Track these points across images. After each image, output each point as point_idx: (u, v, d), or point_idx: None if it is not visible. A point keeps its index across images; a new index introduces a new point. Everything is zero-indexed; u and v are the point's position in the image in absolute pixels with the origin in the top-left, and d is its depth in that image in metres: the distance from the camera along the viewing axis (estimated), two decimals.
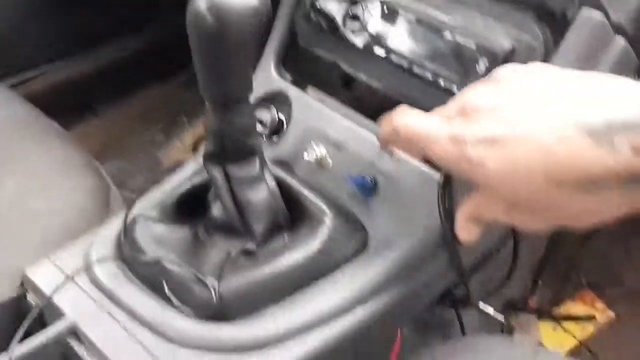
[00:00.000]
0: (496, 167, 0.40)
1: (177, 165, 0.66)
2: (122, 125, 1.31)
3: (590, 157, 0.37)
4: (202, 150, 0.56)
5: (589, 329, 1.03)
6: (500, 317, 0.79)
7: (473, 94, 0.43)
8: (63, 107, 1.08)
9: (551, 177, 0.38)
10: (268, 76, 0.66)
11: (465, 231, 0.48)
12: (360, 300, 0.52)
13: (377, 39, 0.60)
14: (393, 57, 0.59)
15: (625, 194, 0.37)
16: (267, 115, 0.64)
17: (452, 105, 0.44)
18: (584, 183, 0.37)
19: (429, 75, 0.56)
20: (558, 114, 0.38)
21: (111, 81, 1.23)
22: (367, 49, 0.60)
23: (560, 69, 0.42)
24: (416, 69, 0.57)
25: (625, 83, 0.39)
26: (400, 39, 0.59)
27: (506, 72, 0.43)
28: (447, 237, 0.52)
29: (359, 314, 0.52)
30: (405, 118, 0.45)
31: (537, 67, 0.43)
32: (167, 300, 0.52)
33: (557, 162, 0.38)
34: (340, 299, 0.52)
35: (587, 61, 0.51)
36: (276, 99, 0.65)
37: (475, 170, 0.41)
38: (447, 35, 0.56)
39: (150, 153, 1.31)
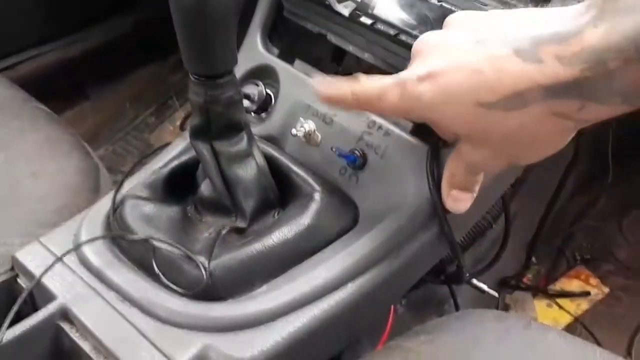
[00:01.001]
0: (432, 100, 0.42)
1: (163, 146, 0.65)
2: (113, 108, 1.30)
3: (516, 71, 0.38)
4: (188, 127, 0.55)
5: (583, 305, 1.03)
6: (494, 294, 0.79)
7: (422, 39, 0.45)
8: (54, 90, 1.07)
9: (480, 99, 0.40)
10: (255, 50, 0.65)
11: (452, 199, 0.49)
12: (351, 276, 0.52)
13: (363, 7, 0.59)
14: (380, 25, 0.58)
15: (550, 104, 0.38)
16: (254, 90, 0.63)
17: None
18: (511, 99, 0.39)
19: None
20: (490, 40, 0.40)
21: (101, 64, 1.22)
22: (353, 18, 0.59)
23: (504, 10, 0.44)
24: (403, 37, 0.56)
25: (553, 8, 0.40)
26: (386, 6, 0.58)
27: (456, 16, 0.45)
28: (437, 209, 0.52)
29: (351, 290, 0.52)
30: (360, 85, 0.47)
31: (487, 12, 0.45)
32: (158, 279, 0.51)
33: (484, 82, 0.39)
34: (331, 275, 0.51)
35: None
36: (263, 74, 0.64)
37: (417, 107, 0.43)
38: (434, 1, 0.55)
39: (141, 136, 1.30)
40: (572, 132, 0.42)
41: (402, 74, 0.44)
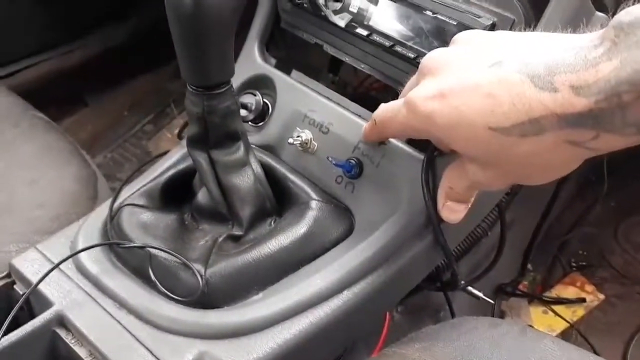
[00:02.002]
0: (443, 120, 0.42)
1: (161, 154, 0.66)
2: (111, 115, 1.31)
3: (531, 98, 0.38)
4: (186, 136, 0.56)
5: (579, 311, 1.04)
6: (490, 301, 0.80)
7: (432, 55, 0.45)
8: (52, 98, 1.08)
9: (493, 123, 0.40)
10: (252, 61, 0.66)
11: (447, 210, 0.50)
12: (347, 283, 0.52)
13: (358, 19, 0.60)
14: (375, 36, 0.58)
15: (565, 133, 0.38)
16: (252, 100, 0.63)
17: (416, 73, 0.46)
18: (525, 126, 0.39)
19: (411, 54, 0.56)
20: (502, 63, 0.40)
21: (100, 72, 1.23)
22: (349, 29, 0.60)
23: (514, 32, 0.44)
24: (398, 48, 0.57)
25: (566, 35, 0.40)
26: (382, 18, 0.58)
27: (465, 35, 0.45)
28: (432, 218, 0.52)
29: (346, 297, 0.52)
30: (378, 110, 0.49)
31: (495, 32, 0.45)
32: (154, 287, 0.52)
33: (499, 107, 0.39)
34: (327, 283, 0.52)
35: None
36: (261, 84, 0.65)
37: (428, 127, 0.43)
38: (429, 13, 0.56)
39: (139, 143, 1.30)
40: (583, 159, 0.42)
41: (413, 93, 0.44)
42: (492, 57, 0.41)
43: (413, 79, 0.48)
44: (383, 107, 0.49)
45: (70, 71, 1.19)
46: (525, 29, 0.49)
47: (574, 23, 0.44)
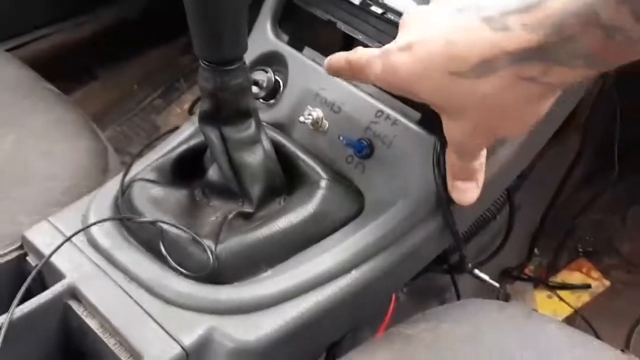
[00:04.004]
0: (410, 71, 0.44)
1: (172, 130, 0.66)
2: (121, 89, 1.30)
3: (485, 40, 0.40)
4: (198, 112, 0.55)
5: (584, 297, 1.04)
6: (496, 284, 0.80)
7: (408, 12, 0.47)
8: (62, 70, 1.08)
9: (452, 68, 0.42)
10: (264, 37, 0.65)
11: (456, 190, 0.50)
12: (355, 263, 0.53)
13: None
14: (390, 14, 0.58)
15: (516, 69, 0.40)
16: (263, 77, 0.63)
17: None
18: (480, 66, 0.41)
19: None
20: (462, 10, 0.42)
21: (110, 45, 1.22)
22: (364, 7, 0.59)
23: None
24: None
25: None
26: None
27: None
28: (442, 200, 0.52)
29: (355, 277, 0.52)
30: (355, 53, 0.50)
31: None
32: (165, 261, 0.52)
33: (455, 51, 0.41)
34: (336, 262, 0.52)
35: None
36: (272, 61, 0.64)
37: (396, 78, 0.45)
38: None
39: (148, 117, 1.30)
40: (542, 100, 0.43)
41: (387, 46, 0.46)
42: (454, 7, 0.43)
43: None
44: (360, 51, 0.50)
45: (80, 44, 1.19)
46: None
47: None
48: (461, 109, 0.44)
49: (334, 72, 0.54)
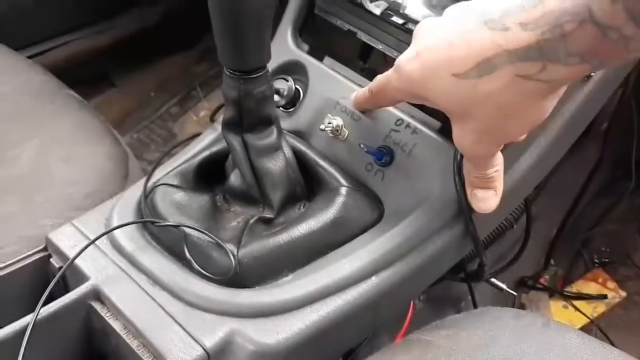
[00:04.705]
0: (420, 77, 0.46)
1: (193, 136, 0.67)
2: (138, 96, 1.32)
3: (484, 40, 0.42)
4: (220, 119, 0.56)
5: (599, 308, 1.03)
6: (512, 293, 0.80)
7: (420, 23, 0.48)
8: (81, 78, 1.09)
9: (454, 69, 0.43)
10: (285, 46, 0.66)
11: (475, 199, 0.51)
12: (375, 269, 0.53)
13: (394, 7, 0.60)
14: (411, 25, 0.58)
15: (514, 67, 0.41)
16: (284, 85, 0.64)
17: None
18: (480, 66, 0.42)
19: None
20: (464, 15, 0.43)
21: (128, 53, 1.24)
22: (385, 17, 0.60)
23: None
24: None
25: None
26: (417, 6, 0.59)
27: (453, 5, 0.47)
28: (463, 208, 0.52)
29: (374, 283, 0.53)
30: (374, 80, 0.53)
31: None
32: (187, 265, 0.53)
33: (457, 53, 0.43)
34: (355, 268, 0.53)
35: None
36: (293, 69, 0.65)
37: (411, 86, 0.47)
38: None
39: (165, 125, 1.32)
40: (543, 99, 0.44)
41: (399, 57, 0.48)
42: (459, 14, 0.45)
43: None
44: (378, 77, 0.53)
45: (98, 52, 1.21)
46: None
47: None
48: (466, 111, 0.45)
49: (359, 104, 0.58)
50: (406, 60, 0.47)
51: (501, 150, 0.50)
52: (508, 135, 0.47)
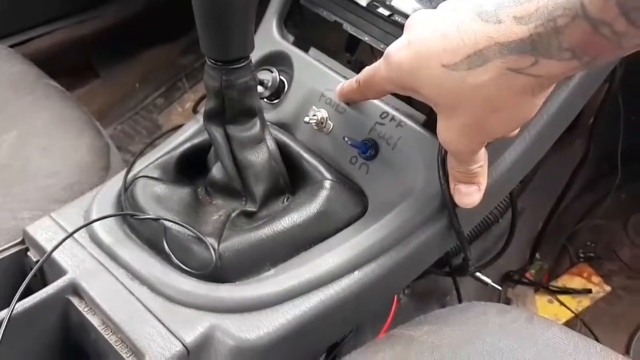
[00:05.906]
0: (409, 66, 0.45)
1: (175, 128, 0.66)
2: (123, 87, 1.30)
3: (477, 32, 0.41)
4: (202, 110, 0.55)
5: (584, 302, 1.04)
6: (497, 287, 0.80)
7: (413, 15, 0.48)
8: (64, 68, 1.08)
9: (445, 60, 0.43)
10: (270, 37, 0.65)
11: (458, 193, 0.50)
12: (358, 263, 0.53)
13: None
14: (397, 17, 0.58)
15: (505, 62, 0.41)
16: (268, 76, 0.63)
17: None
18: (472, 58, 0.42)
19: None
20: (459, 7, 0.43)
21: (113, 43, 1.22)
22: (371, 9, 0.59)
23: None
24: None
25: None
26: None
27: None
28: (447, 202, 0.52)
29: (357, 277, 0.52)
30: (362, 72, 0.52)
31: None
32: (167, 259, 0.52)
33: (448, 44, 0.43)
34: (338, 262, 0.52)
35: None
36: (278, 60, 0.64)
37: (400, 75, 0.46)
38: None
39: (149, 116, 1.30)
40: (532, 94, 0.43)
41: (389, 46, 0.48)
42: (454, 6, 0.44)
43: None
44: (366, 68, 0.52)
45: (83, 41, 1.19)
46: None
47: None
48: (453, 103, 0.45)
49: (345, 96, 0.57)
50: (397, 49, 0.46)
51: (486, 145, 0.49)
52: (493, 132, 0.47)
